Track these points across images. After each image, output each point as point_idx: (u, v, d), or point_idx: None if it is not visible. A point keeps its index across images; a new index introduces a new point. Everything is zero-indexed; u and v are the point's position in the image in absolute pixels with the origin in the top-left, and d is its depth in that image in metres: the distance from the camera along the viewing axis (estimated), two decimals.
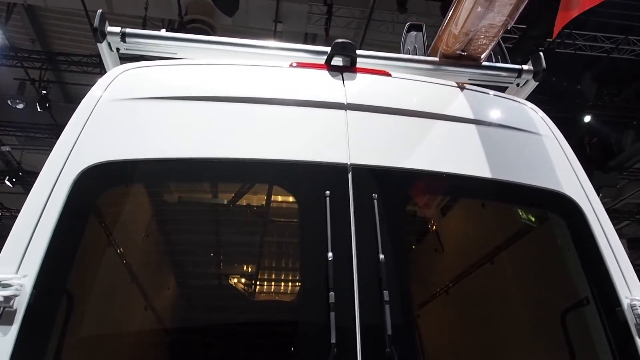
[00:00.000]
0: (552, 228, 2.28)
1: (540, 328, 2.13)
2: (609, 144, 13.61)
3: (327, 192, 1.92)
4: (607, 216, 2.22)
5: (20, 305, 1.70)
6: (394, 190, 2.02)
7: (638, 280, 2.11)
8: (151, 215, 2.21)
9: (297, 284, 2.03)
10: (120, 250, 2.04)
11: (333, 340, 1.65)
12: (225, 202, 2.26)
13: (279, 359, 1.79)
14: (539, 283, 2.21)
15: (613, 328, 2.00)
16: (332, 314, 1.69)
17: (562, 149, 2.33)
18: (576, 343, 2.10)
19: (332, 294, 1.72)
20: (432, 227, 2.35)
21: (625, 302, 2.01)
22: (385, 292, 1.75)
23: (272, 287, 2.16)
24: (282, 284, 2.16)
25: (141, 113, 2.10)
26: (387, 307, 1.73)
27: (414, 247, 2.00)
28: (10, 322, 1.67)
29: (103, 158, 1.98)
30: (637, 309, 1.98)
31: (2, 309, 1.69)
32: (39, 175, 1.98)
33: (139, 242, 2.18)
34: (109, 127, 2.06)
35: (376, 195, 1.94)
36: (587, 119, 11.71)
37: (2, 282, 1.71)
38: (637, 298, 2.03)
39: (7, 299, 1.70)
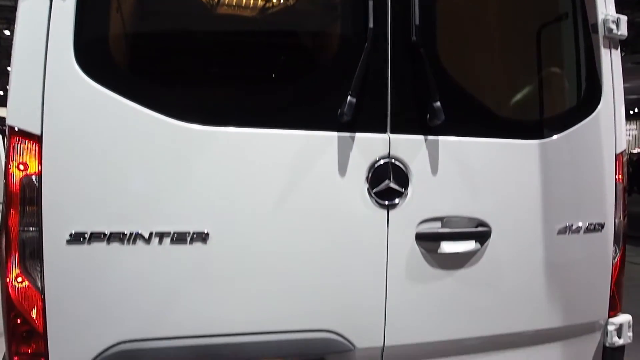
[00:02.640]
0: None
1: (526, 39, 2.45)
2: None
3: None
4: None
5: None
6: None
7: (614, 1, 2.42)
8: None
9: None
10: None
11: (371, 25, 1.87)
12: None
13: (327, 40, 2.00)
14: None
15: (585, 40, 2.37)
16: (370, 3, 1.88)
17: None
18: (552, 53, 2.48)
19: None
20: None
21: (600, 17, 2.35)
22: None
23: None
24: None
25: None
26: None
27: None
28: None
29: None
30: (608, 23, 2.33)
31: None
32: None
33: None
34: None
35: None
36: None
37: None
38: (610, 14, 2.36)
39: None
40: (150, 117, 1.78)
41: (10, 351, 1.79)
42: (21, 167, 1.73)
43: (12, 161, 1.73)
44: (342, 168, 1.93)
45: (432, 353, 2.15)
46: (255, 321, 1.92)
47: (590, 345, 2.47)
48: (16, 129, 1.71)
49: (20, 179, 1.73)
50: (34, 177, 1.73)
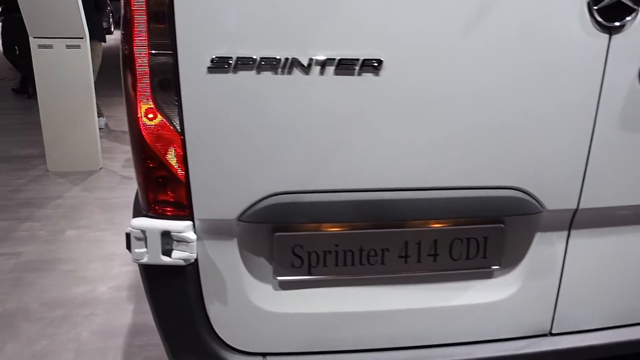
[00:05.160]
0: None
1: None
2: None
3: None
4: None
5: None
6: None
7: None
8: None
9: None
10: None
11: None
12: None
13: None
14: None
15: None
16: None
17: None
18: None
19: None
20: None
21: None
22: None
23: None
24: None
25: None
26: None
27: None
28: None
29: None
30: None
31: None
32: None
33: None
34: None
35: None
36: None
37: None
38: None
39: None
40: None
41: (147, 199, 1.53)
42: None
43: None
44: None
45: (632, 219, 1.77)
46: (427, 175, 1.56)
47: None
48: None
49: None
50: None
